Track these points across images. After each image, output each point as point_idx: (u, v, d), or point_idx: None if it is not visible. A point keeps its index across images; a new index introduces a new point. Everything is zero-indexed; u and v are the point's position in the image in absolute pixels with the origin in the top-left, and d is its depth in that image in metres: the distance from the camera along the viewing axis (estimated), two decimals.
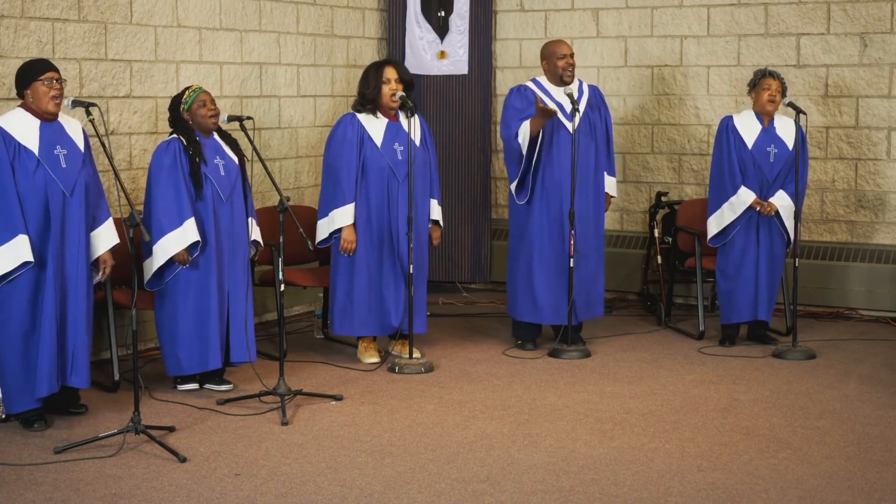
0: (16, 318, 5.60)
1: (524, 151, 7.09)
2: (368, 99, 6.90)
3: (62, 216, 5.66)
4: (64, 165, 5.65)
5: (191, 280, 6.24)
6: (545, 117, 6.99)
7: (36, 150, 5.59)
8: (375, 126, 6.90)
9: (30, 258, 5.53)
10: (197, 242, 6.18)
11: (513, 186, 7.25)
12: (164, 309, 6.30)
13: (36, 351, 5.62)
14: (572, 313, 7.24)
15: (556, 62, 7.18)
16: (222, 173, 6.29)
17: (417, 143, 6.92)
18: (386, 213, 6.90)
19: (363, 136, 6.87)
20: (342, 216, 6.84)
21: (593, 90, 7.36)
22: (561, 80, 7.19)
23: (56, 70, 5.68)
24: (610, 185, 7.40)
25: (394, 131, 6.92)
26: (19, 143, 5.57)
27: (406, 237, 6.84)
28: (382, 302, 6.95)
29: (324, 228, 6.92)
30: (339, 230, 6.87)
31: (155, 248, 6.14)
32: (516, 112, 7.15)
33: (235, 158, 6.38)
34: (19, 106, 5.70)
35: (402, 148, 6.88)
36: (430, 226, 7.10)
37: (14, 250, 5.50)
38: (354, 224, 6.86)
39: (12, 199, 5.52)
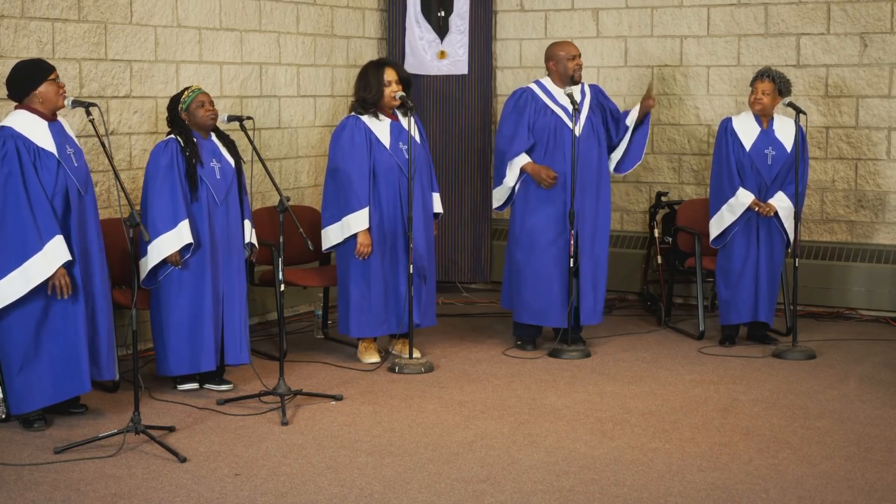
0: (34, 319, 5.60)
1: (510, 184, 7.24)
2: (370, 102, 6.89)
3: (81, 214, 5.68)
4: (76, 164, 5.68)
5: (183, 281, 6.23)
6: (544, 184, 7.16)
7: (55, 151, 5.59)
8: (380, 127, 6.90)
9: (69, 257, 5.55)
10: (190, 245, 6.18)
11: (496, 199, 7.32)
12: (156, 309, 6.31)
13: (64, 348, 5.62)
14: (581, 316, 7.25)
15: (567, 63, 7.19)
16: (218, 176, 6.29)
17: (418, 140, 6.94)
18: (399, 212, 6.89)
19: (370, 139, 6.86)
20: (358, 221, 6.81)
21: (594, 90, 7.38)
22: (571, 81, 7.20)
23: (55, 68, 5.69)
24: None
25: (397, 131, 6.93)
26: (38, 146, 5.56)
27: (420, 234, 6.85)
28: (399, 300, 6.94)
29: (335, 234, 6.88)
30: (354, 235, 6.85)
31: (149, 248, 6.14)
32: (512, 122, 7.19)
33: (232, 161, 6.38)
34: (20, 108, 5.68)
35: (406, 146, 6.88)
36: None
37: (56, 250, 5.51)
38: (369, 227, 6.85)
39: (45, 201, 5.52)
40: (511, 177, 7.22)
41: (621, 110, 7.46)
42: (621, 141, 7.35)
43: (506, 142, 7.21)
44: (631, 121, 7.31)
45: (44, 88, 5.62)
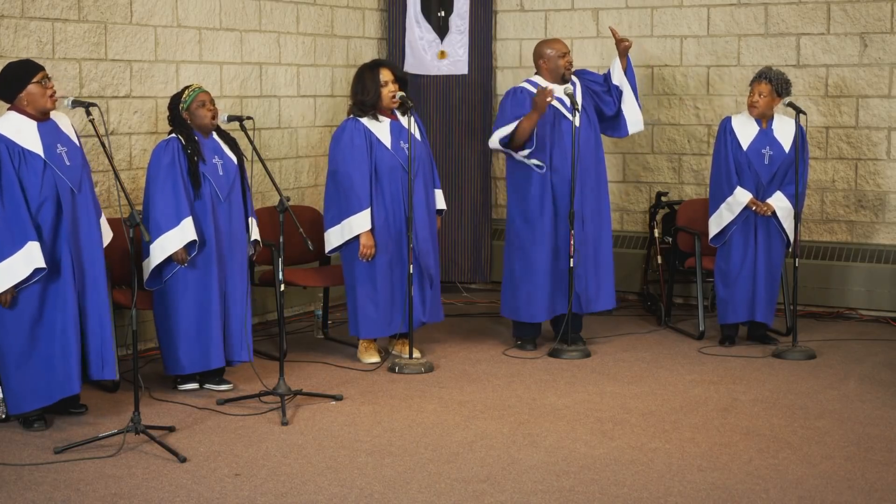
0: (28, 319, 5.59)
1: (512, 148, 7.14)
2: (369, 105, 6.89)
3: (73, 213, 5.67)
4: (68, 163, 5.66)
5: (189, 279, 6.23)
6: (540, 110, 6.99)
7: (41, 152, 5.58)
8: (380, 128, 6.89)
9: (42, 265, 5.52)
10: (194, 242, 6.18)
11: (520, 154, 7.19)
12: (162, 308, 6.30)
13: (54, 348, 5.62)
14: (583, 303, 7.28)
15: (558, 61, 7.22)
16: (220, 173, 6.29)
17: (419, 137, 6.94)
18: (404, 212, 6.89)
19: (371, 140, 6.86)
20: (360, 223, 6.80)
21: (581, 77, 7.40)
22: (562, 79, 7.22)
23: (43, 68, 5.67)
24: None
25: (397, 130, 6.93)
26: (23, 148, 5.55)
27: (425, 233, 6.85)
28: (406, 299, 6.93)
29: (337, 236, 6.88)
30: (356, 237, 6.85)
31: (152, 247, 6.14)
32: (512, 111, 7.15)
33: (234, 158, 6.38)
34: (10, 109, 5.66)
35: (407, 145, 6.87)
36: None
37: (27, 258, 5.49)
38: (372, 229, 6.85)
39: (21, 206, 5.51)
40: (505, 135, 7.10)
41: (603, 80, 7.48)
42: (622, 101, 7.37)
43: (505, 120, 7.17)
44: (618, 77, 7.36)
45: (29, 90, 5.60)
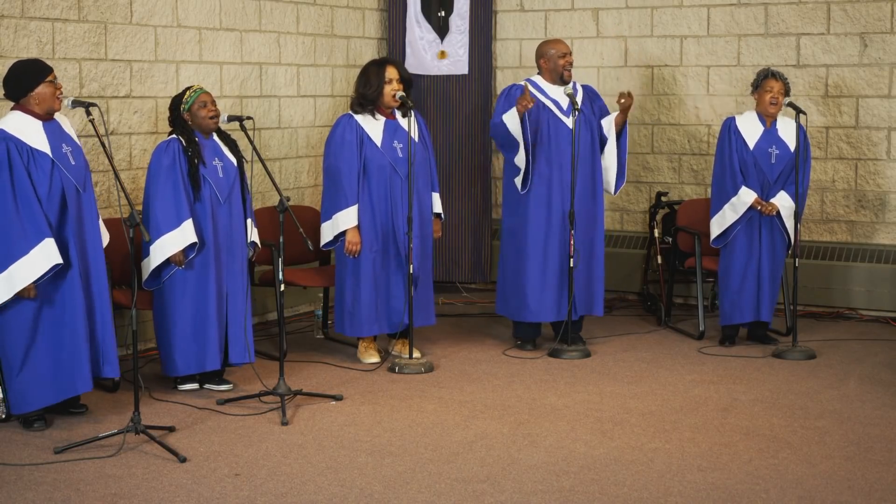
0: (31, 318, 5.58)
1: (512, 131, 7.08)
2: (369, 99, 6.90)
3: (78, 212, 5.68)
4: (73, 162, 5.67)
5: (188, 281, 6.24)
6: (520, 109, 6.99)
7: (49, 152, 5.58)
8: (374, 126, 6.90)
9: (59, 260, 5.53)
10: (194, 244, 6.18)
11: (517, 180, 7.22)
12: (160, 310, 6.30)
13: (64, 346, 5.62)
14: (577, 305, 7.26)
15: (558, 61, 7.22)
16: (220, 175, 6.29)
17: (417, 139, 6.93)
18: (390, 211, 6.90)
19: (362, 137, 6.87)
20: (346, 218, 6.83)
21: (586, 89, 7.39)
22: (561, 79, 7.22)
23: (52, 69, 5.68)
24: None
25: (392, 130, 6.93)
26: (31, 147, 5.55)
27: (413, 235, 6.84)
28: (390, 300, 6.95)
29: (328, 231, 6.90)
30: (344, 232, 6.86)
31: (152, 248, 6.14)
32: (507, 105, 7.17)
33: (234, 160, 6.38)
34: (14, 109, 5.66)
35: (401, 146, 6.88)
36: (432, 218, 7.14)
37: (44, 254, 5.50)
38: (358, 225, 6.86)
39: (34, 203, 5.51)
40: (510, 118, 7.05)
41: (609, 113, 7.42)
42: (605, 156, 7.30)
43: (493, 119, 7.19)
44: (607, 128, 7.28)
45: (41, 90, 5.61)
